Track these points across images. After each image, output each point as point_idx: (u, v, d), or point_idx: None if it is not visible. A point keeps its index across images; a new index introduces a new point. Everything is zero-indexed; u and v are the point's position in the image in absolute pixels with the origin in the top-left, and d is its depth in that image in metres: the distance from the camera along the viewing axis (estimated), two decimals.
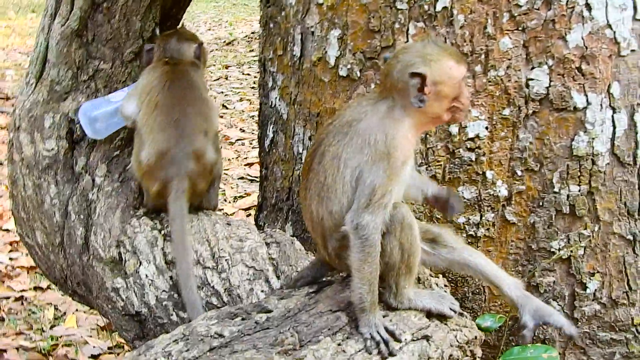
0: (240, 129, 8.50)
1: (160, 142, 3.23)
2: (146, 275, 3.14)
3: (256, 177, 7.00)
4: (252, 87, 10.44)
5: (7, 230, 6.20)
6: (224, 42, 14.00)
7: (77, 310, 4.88)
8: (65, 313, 4.90)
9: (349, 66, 3.12)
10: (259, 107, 3.65)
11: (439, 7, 3.00)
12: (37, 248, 3.74)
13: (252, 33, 14.57)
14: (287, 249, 3.08)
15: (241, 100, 9.80)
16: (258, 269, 3.02)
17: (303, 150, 3.29)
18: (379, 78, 3.04)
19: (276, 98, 3.42)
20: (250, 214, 6.30)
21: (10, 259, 5.68)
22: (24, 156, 3.70)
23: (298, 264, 3.01)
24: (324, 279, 2.80)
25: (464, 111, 2.59)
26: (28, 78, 3.78)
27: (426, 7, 3.00)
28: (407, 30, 3.03)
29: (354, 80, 3.12)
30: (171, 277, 3.10)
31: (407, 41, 3.02)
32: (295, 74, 3.30)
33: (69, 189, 3.64)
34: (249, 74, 11.29)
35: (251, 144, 7.97)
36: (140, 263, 3.18)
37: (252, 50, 13.08)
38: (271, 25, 3.44)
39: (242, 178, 7.15)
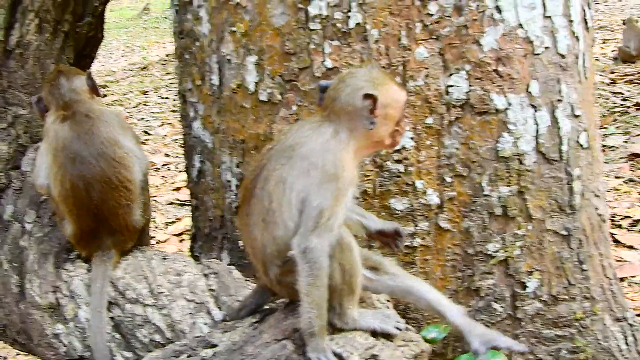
0: (165, 154, 8.46)
1: (79, 221, 3.19)
2: (86, 319, 3.10)
3: (185, 202, 6.97)
4: (172, 111, 10.40)
5: None
6: (139, 67, 13.92)
7: (18, 354, 4.80)
8: (5, 358, 4.81)
9: (269, 90, 3.12)
10: (183, 137, 3.62)
11: (352, 24, 3.01)
12: None
13: (167, 56, 14.51)
14: (225, 279, 3.07)
15: (162, 124, 9.75)
16: (199, 302, 3.00)
17: (232, 178, 3.28)
18: (300, 100, 3.08)
19: (199, 128, 3.41)
20: (183, 239, 6.26)
21: None
22: None
23: (238, 293, 3.00)
24: (266, 307, 2.80)
25: (402, 135, 2.62)
26: None
27: (339, 25, 3.02)
28: (323, 49, 3.04)
29: (275, 104, 3.12)
30: (112, 318, 3.06)
31: (324, 61, 3.04)
32: (215, 103, 3.29)
33: None
34: (167, 97, 11.24)
35: (177, 168, 7.93)
36: (79, 307, 3.14)
37: (168, 73, 13.02)
38: (187, 56, 3.42)
39: (171, 203, 7.12)
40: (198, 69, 3.36)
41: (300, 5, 3.04)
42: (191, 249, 3.63)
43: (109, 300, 3.09)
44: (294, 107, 3.10)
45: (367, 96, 2.49)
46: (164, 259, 3.22)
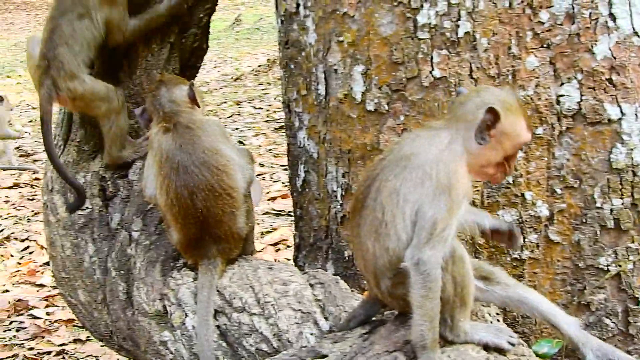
0: (260, 164, 8.52)
1: (185, 230, 3.22)
2: (193, 327, 3.12)
3: (281, 211, 7.01)
4: (266, 121, 10.47)
5: (42, 285, 6.23)
6: (232, 78, 14.07)
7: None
8: None
9: (376, 100, 3.11)
10: (287, 147, 3.63)
11: (461, 33, 2.98)
12: (81, 306, 3.74)
13: (259, 67, 14.62)
14: (332, 289, 3.05)
15: (257, 135, 9.82)
16: (305, 312, 3.00)
17: (338, 188, 3.27)
18: (408, 110, 3.06)
19: (304, 138, 3.41)
20: (279, 249, 6.29)
21: (48, 313, 5.69)
22: (60, 217, 3.72)
23: (345, 304, 2.98)
24: (376, 318, 2.78)
25: (506, 175, 2.59)
26: (56, 140, 3.80)
27: (448, 34, 2.99)
28: (431, 59, 3.02)
29: (382, 114, 3.11)
30: (218, 327, 3.08)
31: (433, 70, 3.01)
32: (322, 113, 3.29)
33: (107, 246, 3.65)
34: (260, 108, 11.34)
35: (272, 178, 7.98)
36: (186, 315, 3.16)
37: (261, 84, 13.12)
38: (292, 66, 3.43)
39: (266, 213, 7.15)
40: (303, 79, 3.37)
41: (408, 15, 3.02)
42: (295, 259, 3.63)
43: (215, 308, 3.11)
44: (402, 117, 3.08)
45: (491, 110, 2.45)
46: (270, 268, 3.23)
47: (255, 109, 11.25)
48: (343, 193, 3.25)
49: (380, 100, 3.10)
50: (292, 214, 6.98)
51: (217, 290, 3.15)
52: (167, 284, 3.28)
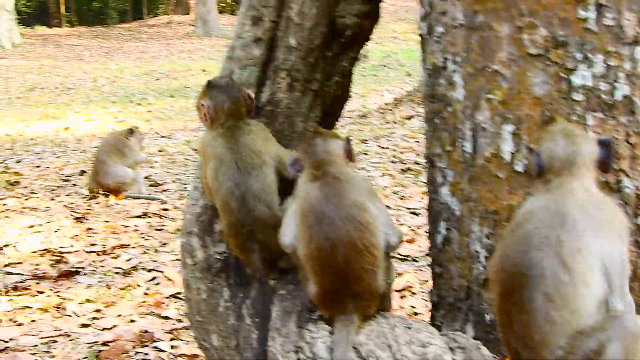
0: (387, 206, 8.47)
1: (323, 283, 3.19)
2: None
3: (406, 257, 6.94)
4: (392, 162, 10.42)
5: (168, 318, 6.30)
6: (358, 115, 14.09)
7: None
8: None
9: (525, 161, 3.03)
10: (428, 202, 3.57)
11: (618, 96, 2.89)
12: (213, 351, 3.76)
13: (386, 104, 14.62)
14: (473, 355, 2.97)
15: (383, 175, 9.78)
16: None
17: (481, 249, 3.20)
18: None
19: (447, 194, 3.35)
20: (404, 296, 6.21)
21: (172, 347, 5.75)
22: (197, 260, 3.75)
23: None
24: None
25: None
26: (196, 182, 3.84)
27: (604, 96, 2.90)
28: (585, 121, 2.93)
29: (532, 176, 3.02)
30: None
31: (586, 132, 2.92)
32: (467, 170, 3.22)
33: (242, 292, 3.65)
34: (387, 147, 11.29)
35: (398, 220, 7.91)
36: None
37: (387, 122, 13.10)
38: (437, 120, 3.38)
39: (392, 257, 7.08)
40: (449, 135, 3.31)
41: (562, 75, 2.94)
42: (432, 317, 3.56)
43: None
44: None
45: (604, 143, 2.54)
46: (408, 327, 3.16)
47: (382, 148, 11.21)
48: (487, 254, 3.18)
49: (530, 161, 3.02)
50: (417, 259, 6.93)
51: (353, 347, 3.11)
52: (303, 336, 3.25)
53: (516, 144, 3.06)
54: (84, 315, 6.46)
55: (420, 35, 3.45)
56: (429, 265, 3.68)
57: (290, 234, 3.25)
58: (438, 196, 3.42)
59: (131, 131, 10.57)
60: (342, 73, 3.85)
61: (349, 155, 3.31)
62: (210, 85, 3.64)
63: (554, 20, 2.94)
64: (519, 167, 3.05)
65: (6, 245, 8.08)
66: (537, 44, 2.97)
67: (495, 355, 3.02)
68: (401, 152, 11.10)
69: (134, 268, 7.56)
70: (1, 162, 13.25)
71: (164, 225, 8.76)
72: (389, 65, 21.92)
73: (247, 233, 3.46)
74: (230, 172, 3.47)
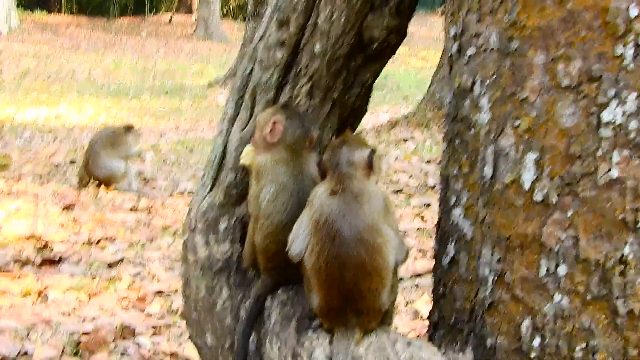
0: None
1: (327, 298, 3.17)
2: None
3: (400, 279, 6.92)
4: (384, 183, 10.43)
5: (150, 315, 6.27)
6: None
7: None
8: None
9: (545, 191, 3.02)
10: (437, 222, 3.56)
11: None
12: (207, 349, 3.73)
13: (381, 125, 14.66)
14: None
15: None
16: None
17: (490, 273, 3.17)
18: (577, 206, 2.95)
19: (460, 216, 3.33)
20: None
21: (153, 343, 5.71)
22: (198, 257, 3.72)
23: None
24: None
25: None
26: (204, 180, 3.82)
27: (633, 135, 2.89)
28: (611, 158, 2.92)
29: (549, 206, 3.01)
30: None
31: (610, 170, 2.91)
32: (484, 194, 3.20)
33: (242, 293, 3.63)
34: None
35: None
36: None
37: (382, 143, 13.13)
38: (457, 141, 3.37)
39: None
40: (468, 157, 3.30)
41: (593, 110, 2.93)
42: (430, 336, 3.53)
43: None
44: (569, 213, 2.98)
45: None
46: (409, 344, 3.14)
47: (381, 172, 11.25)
48: (495, 279, 3.16)
49: (550, 191, 3.01)
50: (403, 279, 6.91)
51: (352, 358, 3.09)
52: (302, 343, 3.23)
53: (538, 173, 3.04)
54: (65, 303, 6.41)
55: (450, 55, 3.44)
56: (430, 284, 3.66)
57: (300, 243, 3.22)
58: (449, 217, 3.40)
59: (129, 128, 10.54)
60: (362, 85, 3.83)
61: (371, 167, 3.29)
62: (287, 107, 3.60)
63: (591, 54, 2.93)
64: (538, 197, 3.03)
65: None
66: (570, 75, 2.96)
67: None
68: (394, 172, 11.12)
69: (120, 261, 7.53)
70: None
71: (152, 221, 8.73)
72: (387, 86, 21.96)
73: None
74: (291, 202, 3.44)
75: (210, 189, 3.79)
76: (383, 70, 3.94)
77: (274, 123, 3.53)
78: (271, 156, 3.52)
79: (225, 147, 3.77)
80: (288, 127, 3.52)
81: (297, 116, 3.57)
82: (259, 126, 3.61)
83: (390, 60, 3.92)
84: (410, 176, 10.87)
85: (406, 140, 13.31)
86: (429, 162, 11.71)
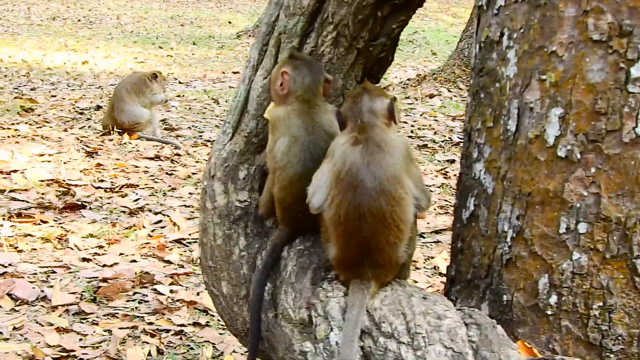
0: None
1: (344, 249, 3.14)
2: (337, 343, 3.03)
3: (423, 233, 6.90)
4: (410, 137, 10.38)
5: (169, 262, 6.28)
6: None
7: (233, 351, 4.84)
8: (222, 353, 4.88)
9: (568, 147, 2.96)
10: (458, 177, 3.51)
11: None
12: (222, 298, 3.71)
13: (408, 80, 14.53)
14: (488, 333, 2.91)
15: None
16: (457, 351, 2.86)
17: (509, 229, 3.13)
18: (600, 164, 2.90)
19: (481, 171, 3.28)
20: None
21: (171, 291, 5.73)
22: (217, 205, 3.69)
23: (500, 351, 2.84)
24: None
25: None
26: (225, 127, 3.78)
27: None
28: (638, 115, 2.85)
29: (573, 163, 2.96)
30: (362, 347, 2.99)
31: (636, 127, 2.85)
32: (506, 149, 3.15)
33: (258, 243, 3.60)
34: (405, 122, 11.24)
35: None
36: (332, 329, 3.08)
37: (408, 98, 13.03)
38: (482, 95, 3.30)
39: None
40: (492, 111, 3.24)
41: (622, 65, 2.86)
42: (447, 291, 3.50)
43: (362, 329, 3.02)
44: (592, 170, 2.92)
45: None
46: (425, 298, 3.11)
47: (400, 122, 11.17)
48: (514, 235, 3.11)
49: (574, 147, 2.95)
50: (424, 235, 6.88)
51: (367, 311, 3.06)
52: (317, 294, 3.21)
53: (562, 128, 2.98)
54: (85, 249, 6.44)
55: (480, 5, 3.36)
56: (450, 241, 3.62)
57: (320, 195, 3.18)
58: (471, 171, 3.36)
59: (155, 75, 10.50)
60: (389, 35, 3.75)
61: (392, 116, 3.24)
62: (294, 57, 3.54)
63: (622, 8, 2.85)
64: (562, 153, 2.98)
65: (14, 171, 8.05)
66: (601, 29, 2.88)
67: (510, 337, 2.97)
68: (419, 129, 11.04)
69: (141, 209, 7.54)
70: (16, 88, 13.21)
71: (175, 170, 8.72)
72: (415, 41, 21.74)
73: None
74: (302, 155, 3.39)
75: (232, 137, 3.75)
76: (412, 26, 3.89)
77: (282, 75, 3.49)
78: (284, 109, 3.49)
79: (248, 94, 3.73)
80: (295, 77, 3.47)
81: (305, 64, 3.51)
82: (272, 80, 3.58)
83: (420, 15, 3.85)
84: (435, 132, 10.80)
85: (433, 97, 13.22)
86: (454, 119, 11.64)
